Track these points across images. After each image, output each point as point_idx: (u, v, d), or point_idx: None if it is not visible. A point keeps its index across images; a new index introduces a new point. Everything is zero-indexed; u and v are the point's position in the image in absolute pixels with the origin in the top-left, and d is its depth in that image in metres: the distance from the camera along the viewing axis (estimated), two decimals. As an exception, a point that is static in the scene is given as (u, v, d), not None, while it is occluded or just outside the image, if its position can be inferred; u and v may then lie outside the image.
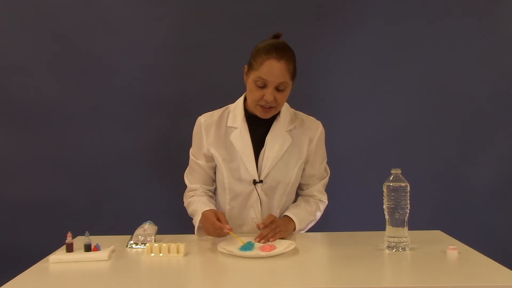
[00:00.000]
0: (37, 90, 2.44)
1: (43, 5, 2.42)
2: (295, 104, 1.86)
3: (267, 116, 1.70)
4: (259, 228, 1.63)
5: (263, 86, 1.63)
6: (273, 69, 1.60)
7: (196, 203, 1.73)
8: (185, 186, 1.86)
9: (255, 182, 1.72)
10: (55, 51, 2.43)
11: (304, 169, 1.80)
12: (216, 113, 1.81)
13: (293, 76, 1.68)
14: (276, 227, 1.61)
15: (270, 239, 1.57)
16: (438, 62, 2.53)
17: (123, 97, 2.47)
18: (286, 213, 1.73)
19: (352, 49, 2.51)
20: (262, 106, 1.66)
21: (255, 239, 1.57)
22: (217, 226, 1.54)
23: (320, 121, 1.84)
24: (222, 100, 1.86)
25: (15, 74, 2.43)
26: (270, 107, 1.66)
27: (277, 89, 1.63)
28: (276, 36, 1.70)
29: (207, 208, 1.65)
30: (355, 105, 2.53)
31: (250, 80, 1.66)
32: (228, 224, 1.55)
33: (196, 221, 1.66)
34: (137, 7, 2.45)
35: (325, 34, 2.50)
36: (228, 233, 1.54)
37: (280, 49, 1.62)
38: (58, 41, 2.43)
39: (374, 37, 2.51)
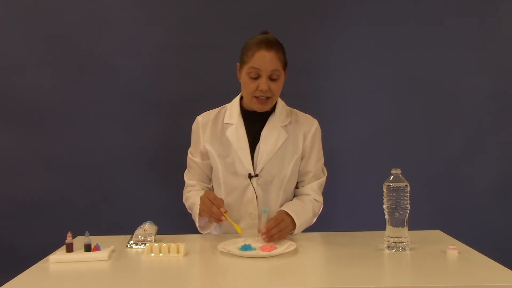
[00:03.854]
0: (37, 90, 2.45)
1: (43, 5, 2.42)
2: (294, 103, 1.86)
3: (265, 108, 1.72)
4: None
5: (257, 77, 1.66)
6: (264, 58, 1.64)
7: (194, 196, 1.75)
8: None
9: (250, 176, 1.72)
10: (55, 51, 2.43)
11: (299, 165, 1.79)
12: (213, 112, 1.84)
13: (285, 66, 1.71)
14: (285, 228, 1.59)
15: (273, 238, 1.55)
16: (439, 62, 2.53)
17: (123, 97, 2.47)
18: (282, 208, 1.69)
19: (352, 49, 2.51)
20: (258, 98, 1.69)
21: (261, 232, 1.55)
22: (214, 210, 1.57)
23: (320, 121, 1.83)
24: (222, 100, 1.87)
25: (15, 74, 2.44)
26: (266, 98, 1.69)
27: (271, 78, 1.67)
28: (264, 33, 1.73)
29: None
30: (355, 105, 2.53)
31: (243, 74, 1.69)
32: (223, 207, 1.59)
33: (196, 213, 1.69)
34: (137, 7, 2.45)
35: (325, 34, 2.50)
36: (223, 219, 1.57)
37: (269, 41, 1.67)
38: (58, 41, 2.43)
39: (375, 37, 2.51)
